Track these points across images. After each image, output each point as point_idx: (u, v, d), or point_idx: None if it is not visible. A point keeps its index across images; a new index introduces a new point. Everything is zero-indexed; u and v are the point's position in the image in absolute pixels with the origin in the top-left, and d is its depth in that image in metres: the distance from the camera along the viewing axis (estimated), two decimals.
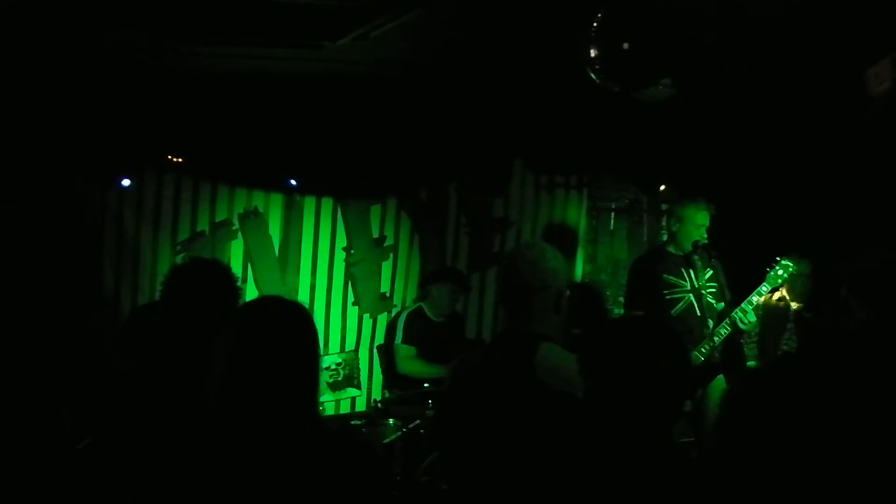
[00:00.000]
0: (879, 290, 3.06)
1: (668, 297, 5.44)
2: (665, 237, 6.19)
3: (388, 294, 6.79)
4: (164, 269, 5.59)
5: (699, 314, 5.36)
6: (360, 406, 6.63)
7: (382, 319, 6.69)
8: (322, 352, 5.99)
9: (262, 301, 2.63)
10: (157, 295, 3.27)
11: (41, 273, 5.59)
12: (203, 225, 6.28)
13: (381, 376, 6.51)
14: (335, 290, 6.64)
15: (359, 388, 6.68)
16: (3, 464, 3.26)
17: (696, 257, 5.40)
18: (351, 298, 6.69)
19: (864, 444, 2.00)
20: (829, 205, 5.84)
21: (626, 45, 3.93)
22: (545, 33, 4.66)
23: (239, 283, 3.18)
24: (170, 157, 6.12)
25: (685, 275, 5.45)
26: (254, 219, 6.42)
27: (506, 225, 7.04)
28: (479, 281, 6.95)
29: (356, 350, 6.70)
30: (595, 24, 3.95)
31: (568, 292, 3.03)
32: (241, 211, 6.38)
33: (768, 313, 6.14)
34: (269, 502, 2.14)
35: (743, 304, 5.29)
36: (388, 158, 6.51)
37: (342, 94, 6.00)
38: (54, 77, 5.47)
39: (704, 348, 5.23)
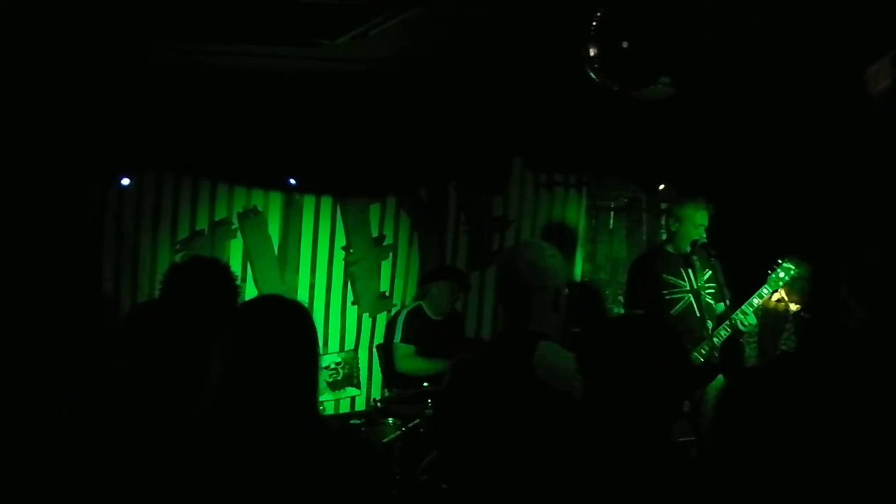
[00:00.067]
0: (879, 290, 3.06)
1: (667, 297, 5.44)
2: (664, 237, 6.19)
3: (387, 293, 6.80)
4: (163, 267, 5.55)
5: (698, 314, 5.36)
6: (360, 405, 6.63)
7: (382, 318, 6.69)
8: (321, 351, 5.97)
9: (262, 300, 2.64)
10: (157, 293, 3.27)
11: (41, 272, 5.59)
12: (202, 224, 6.29)
13: (380, 375, 6.51)
14: (334, 289, 6.65)
15: (358, 387, 6.69)
16: (3, 463, 3.26)
17: (695, 257, 5.39)
18: (350, 297, 6.70)
19: (862, 444, 2.00)
20: (829, 204, 5.84)
21: (625, 44, 3.93)
22: (545, 32, 4.66)
23: (238, 282, 3.18)
24: (169, 156, 6.12)
25: (684, 275, 5.45)
26: (253, 218, 6.43)
27: (505, 223, 7.04)
28: (478, 279, 6.95)
29: (355, 349, 6.71)
30: (595, 23, 3.94)
31: (567, 291, 3.03)
32: (241, 210, 6.39)
33: (767, 314, 6.14)
34: (269, 501, 2.14)
35: (743, 307, 5.29)
36: (388, 157, 6.51)
37: (342, 92, 6.01)
38: (54, 77, 5.47)
39: (704, 349, 5.23)
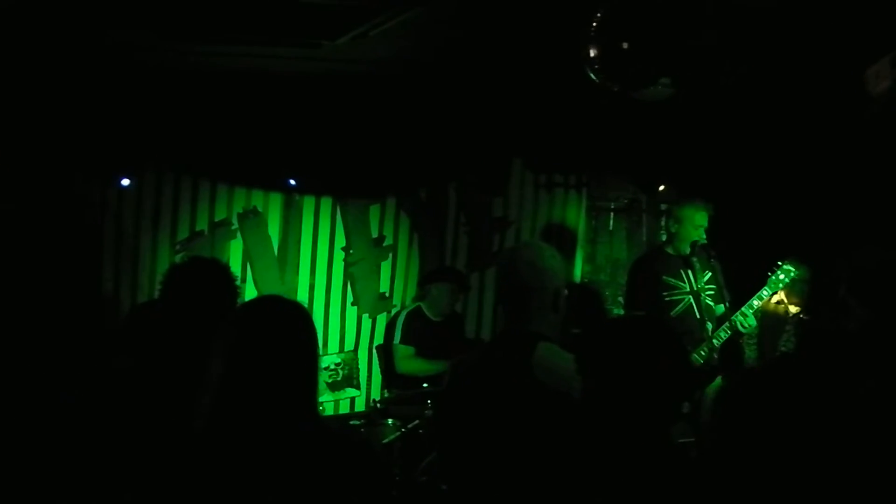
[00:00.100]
0: (878, 290, 3.06)
1: (667, 298, 5.44)
2: (664, 238, 6.19)
3: (387, 294, 6.79)
4: (163, 268, 5.54)
5: (698, 316, 5.36)
6: (360, 406, 6.63)
7: (382, 319, 6.69)
8: (321, 352, 5.98)
9: (262, 301, 2.64)
10: (157, 294, 3.27)
11: (41, 272, 5.59)
12: (202, 224, 6.29)
13: (380, 376, 6.51)
14: (334, 290, 6.65)
15: (358, 388, 6.68)
16: (3, 463, 3.25)
17: (694, 259, 5.39)
18: (350, 298, 6.70)
19: (862, 444, 2.00)
20: (829, 206, 5.84)
21: (625, 45, 3.93)
22: (545, 32, 4.66)
23: (238, 283, 3.18)
24: (169, 156, 6.12)
25: (684, 276, 5.45)
26: (253, 218, 6.43)
27: (505, 224, 7.04)
28: (478, 280, 6.94)
29: (355, 350, 6.70)
30: (595, 24, 3.94)
31: (566, 292, 3.03)
32: (241, 210, 6.39)
33: (767, 316, 6.13)
34: (269, 501, 2.14)
35: (743, 308, 5.29)
36: (388, 158, 6.51)
37: (341, 93, 6.01)
38: (54, 77, 5.48)
39: (703, 351, 5.22)
